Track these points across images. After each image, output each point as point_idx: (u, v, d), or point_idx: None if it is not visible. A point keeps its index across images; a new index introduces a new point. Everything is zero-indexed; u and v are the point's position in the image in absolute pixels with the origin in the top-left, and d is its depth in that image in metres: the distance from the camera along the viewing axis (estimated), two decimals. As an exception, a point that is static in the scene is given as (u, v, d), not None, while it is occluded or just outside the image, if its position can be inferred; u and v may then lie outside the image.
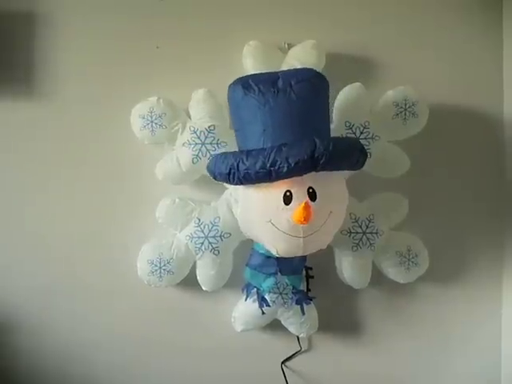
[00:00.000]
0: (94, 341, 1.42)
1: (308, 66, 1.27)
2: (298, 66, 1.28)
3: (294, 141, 1.03)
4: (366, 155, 1.13)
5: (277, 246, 1.14)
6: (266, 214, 1.10)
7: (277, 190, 1.07)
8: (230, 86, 1.14)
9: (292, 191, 1.06)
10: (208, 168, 1.14)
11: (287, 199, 1.07)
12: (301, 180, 1.05)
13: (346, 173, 1.18)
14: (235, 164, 1.04)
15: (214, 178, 1.14)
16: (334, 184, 1.12)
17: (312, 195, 1.07)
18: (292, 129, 1.06)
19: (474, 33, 1.47)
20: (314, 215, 1.05)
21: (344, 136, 1.24)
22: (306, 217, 1.03)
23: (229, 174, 1.06)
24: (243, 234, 1.26)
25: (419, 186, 1.42)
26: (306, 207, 1.03)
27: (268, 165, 1.01)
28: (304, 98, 1.07)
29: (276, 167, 1.00)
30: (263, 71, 1.18)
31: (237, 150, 1.17)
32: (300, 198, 1.06)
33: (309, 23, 1.41)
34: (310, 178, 1.05)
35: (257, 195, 1.11)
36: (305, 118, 1.08)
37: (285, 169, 1.00)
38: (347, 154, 1.07)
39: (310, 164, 1.01)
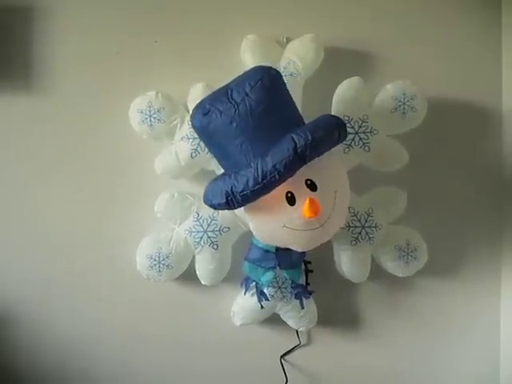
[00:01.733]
0: (93, 335, 1.43)
1: (307, 60, 1.29)
2: (297, 60, 1.28)
3: (273, 145, 1.02)
4: (345, 125, 1.11)
5: (299, 243, 1.14)
6: (278, 222, 1.09)
7: (278, 195, 1.06)
8: (191, 119, 1.12)
9: (292, 191, 1.06)
10: (205, 202, 1.12)
11: (291, 200, 1.06)
12: (296, 177, 1.04)
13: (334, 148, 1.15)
14: (229, 190, 1.03)
15: (215, 209, 1.13)
16: (327, 165, 1.11)
17: (312, 186, 1.07)
18: (266, 134, 1.04)
19: (473, 27, 1.47)
20: (322, 204, 1.04)
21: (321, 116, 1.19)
22: (315, 210, 1.03)
23: (227, 202, 1.04)
24: (243, 229, 1.26)
25: (418, 180, 1.42)
26: (312, 202, 1.03)
27: (260, 179, 1.00)
28: (264, 100, 1.05)
29: (268, 178, 1.00)
30: (263, 63, 1.17)
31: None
32: (302, 195, 1.05)
33: (307, 17, 1.41)
34: (304, 171, 1.04)
35: (261, 209, 1.10)
36: (273, 118, 1.06)
37: (277, 176, 1.00)
38: (328, 135, 1.05)
39: (297, 161, 1.00)
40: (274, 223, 1.11)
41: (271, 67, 1.11)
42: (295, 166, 1.01)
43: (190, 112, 1.26)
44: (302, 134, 1.00)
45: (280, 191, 1.05)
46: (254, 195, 1.02)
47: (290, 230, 1.09)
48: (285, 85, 1.13)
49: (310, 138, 1.00)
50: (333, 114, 1.28)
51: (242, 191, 1.01)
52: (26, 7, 1.36)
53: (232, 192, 1.02)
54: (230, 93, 1.06)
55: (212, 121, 1.06)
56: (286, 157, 0.99)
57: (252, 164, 1.01)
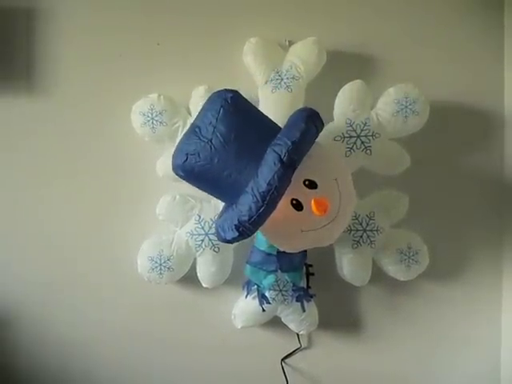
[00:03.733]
0: (94, 337, 1.43)
1: (308, 63, 1.28)
2: (300, 63, 1.28)
3: (259, 164, 1.00)
4: (317, 114, 1.09)
5: (322, 240, 1.14)
6: (294, 230, 1.09)
7: (284, 206, 1.05)
8: (174, 169, 1.10)
9: (296, 197, 1.05)
10: (220, 240, 1.10)
11: (298, 206, 1.05)
12: (294, 182, 1.02)
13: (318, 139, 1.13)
14: (237, 223, 1.01)
15: (232, 243, 1.11)
16: (318, 159, 1.10)
17: (311, 185, 1.06)
18: (248, 156, 1.03)
19: (475, 30, 1.47)
20: (328, 198, 1.04)
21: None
22: (324, 208, 1.03)
23: (240, 234, 1.02)
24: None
25: (420, 184, 1.42)
26: (317, 202, 1.03)
27: (260, 202, 0.99)
28: (233, 126, 1.04)
29: (268, 197, 0.98)
30: (263, 67, 1.17)
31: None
32: (306, 197, 1.04)
33: (310, 20, 1.41)
34: (299, 174, 1.03)
35: (274, 226, 1.09)
36: (249, 139, 1.05)
37: (275, 192, 0.98)
38: (305, 134, 1.03)
39: (288, 169, 0.99)
40: (292, 232, 1.10)
41: (227, 90, 1.09)
42: (288, 175, 1.00)
43: (193, 114, 1.27)
44: (280, 143, 0.99)
45: (284, 202, 1.04)
46: (262, 218, 1.01)
47: (309, 232, 1.08)
48: (247, 101, 1.11)
49: (289, 144, 0.99)
50: (335, 117, 1.28)
51: (250, 219, 1.00)
52: (27, 8, 1.36)
53: (240, 223, 1.01)
54: (198, 131, 1.05)
55: (194, 165, 1.05)
56: (276, 170, 0.98)
57: (247, 190, 1.00)
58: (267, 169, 0.99)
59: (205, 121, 1.05)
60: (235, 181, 1.04)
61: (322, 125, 1.10)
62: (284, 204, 1.04)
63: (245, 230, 1.02)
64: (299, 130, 1.02)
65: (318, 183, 1.06)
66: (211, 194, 1.17)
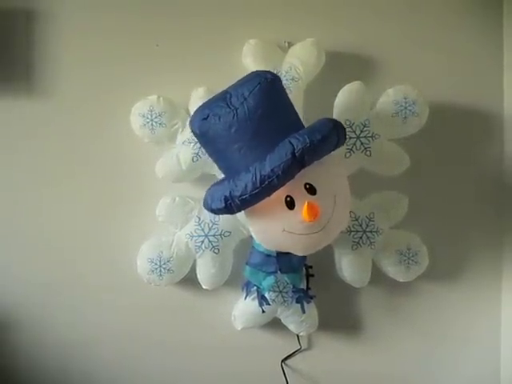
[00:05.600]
0: (94, 339, 1.42)
1: (308, 65, 1.29)
2: (299, 65, 1.28)
3: (271, 149, 1.01)
4: (344, 129, 1.11)
5: (300, 247, 1.14)
6: (277, 226, 1.09)
7: (277, 200, 1.06)
8: (190, 124, 1.12)
9: (291, 195, 1.06)
10: (205, 207, 1.12)
11: (290, 204, 1.06)
12: (295, 181, 1.04)
13: (334, 152, 1.14)
14: (228, 195, 1.03)
15: (215, 214, 1.13)
16: (327, 169, 1.11)
17: (311, 190, 1.07)
18: (265, 138, 1.04)
19: (474, 31, 1.47)
20: (321, 207, 1.05)
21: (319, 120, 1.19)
22: (314, 214, 1.03)
23: (226, 206, 1.04)
24: (244, 233, 1.26)
25: (419, 185, 1.42)
26: (310, 206, 1.03)
27: (258, 183, 1.00)
28: (262, 105, 1.04)
29: (267, 182, 1.00)
30: (262, 68, 1.17)
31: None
32: (301, 199, 1.05)
33: (309, 22, 1.41)
34: (303, 175, 1.04)
35: (261, 213, 1.10)
36: (272, 123, 1.06)
37: (275, 180, 1.00)
38: (326, 139, 1.04)
39: (296, 165, 1.00)
40: (274, 227, 1.11)
41: (270, 72, 1.11)
42: (294, 170, 1.01)
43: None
44: (299, 138, 1.00)
45: (279, 195, 1.05)
46: (253, 200, 1.03)
47: (289, 234, 1.09)
48: (284, 89, 1.13)
49: (307, 142, 1.00)
50: (334, 118, 1.28)
51: (241, 196, 1.01)
52: (27, 10, 1.36)
53: (231, 196, 1.02)
54: (228, 97, 1.06)
55: (211, 126, 1.06)
56: (284, 161, 0.99)
57: (251, 169, 1.01)
58: (277, 156, 1.00)
59: (238, 90, 1.06)
60: (243, 156, 1.05)
61: (344, 139, 1.12)
62: (278, 197, 1.05)
63: (232, 205, 1.03)
64: (322, 133, 1.03)
65: (317, 191, 1.07)
66: (214, 161, 1.17)
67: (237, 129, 1.04)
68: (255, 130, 1.04)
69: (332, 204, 1.10)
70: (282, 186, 1.02)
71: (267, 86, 1.06)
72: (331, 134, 1.06)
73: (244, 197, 1.01)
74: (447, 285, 1.48)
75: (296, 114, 1.14)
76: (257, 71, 1.12)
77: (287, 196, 1.06)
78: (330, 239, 1.17)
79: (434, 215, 1.45)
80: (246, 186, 1.01)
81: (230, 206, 1.04)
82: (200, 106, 1.11)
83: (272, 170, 0.99)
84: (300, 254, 1.18)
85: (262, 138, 1.04)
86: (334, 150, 1.10)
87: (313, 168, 1.05)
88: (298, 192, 1.06)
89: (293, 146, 0.99)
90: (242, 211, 1.10)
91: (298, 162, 1.00)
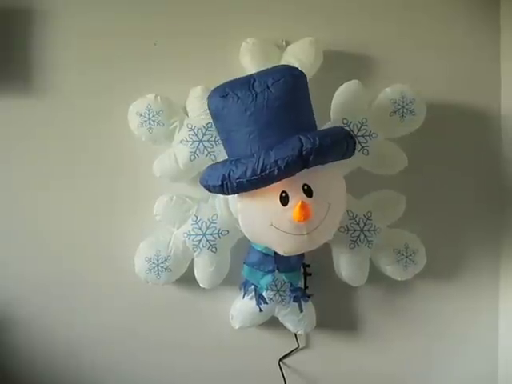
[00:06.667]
0: (92, 338, 1.42)
1: (306, 63, 1.28)
2: (296, 64, 1.28)
3: (280, 142, 1.03)
4: (354, 141, 1.13)
5: (283, 246, 1.14)
6: (266, 219, 1.10)
7: (272, 192, 1.07)
8: (208, 98, 1.13)
9: (287, 191, 1.07)
10: (201, 182, 1.13)
11: (284, 200, 1.07)
12: (295, 178, 1.04)
13: (339, 162, 1.15)
14: (226, 175, 1.04)
15: (209, 191, 1.13)
16: (328, 176, 1.12)
17: (308, 191, 1.07)
18: (277, 129, 1.06)
19: (471, 30, 1.47)
20: (313, 211, 1.05)
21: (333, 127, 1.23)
22: (305, 215, 1.04)
23: (222, 185, 1.05)
24: (242, 232, 1.26)
25: (417, 184, 1.42)
26: (303, 206, 1.03)
27: (258, 171, 1.00)
28: (283, 97, 1.06)
29: (267, 172, 1.00)
30: (261, 68, 1.18)
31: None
32: (296, 197, 1.06)
33: (306, 20, 1.41)
34: (304, 175, 1.05)
35: (253, 202, 1.10)
36: (288, 116, 1.07)
37: (276, 172, 1.00)
38: (335, 145, 1.06)
39: (299, 162, 1.01)
40: (262, 219, 1.11)
41: (298, 69, 1.13)
42: (296, 167, 1.02)
43: (189, 115, 1.28)
44: (310, 138, 1.01)
45: (275, 189, 1.06)
46: (250, 185, 1.03)
47: (275, 230, 1.09)
48: (307, 89, 1.14)
49: (317, 143, 1.01)
50: (332, 117, 1.28)
51: (239, 178, 1.02)
52: (26, 10, 1.36)
53: (229, 177, 1.04)
54: (252, 82, 1.08)
55: (228, 105, 1.07)
56: (290, 156, 1.00)
57: (255, 155, 1.03)
58: (284, 149, 1.01)
59: (262, 78, 1.08)
60: (251, 142, 1.06)
61: (352, 152, 1.13)
62: (274, 190, 1.06)
63: (227, 186, 1.04)
64: (332, 139, 1.05)
65: (314, 194, 1.08)
66: (222, 138, 1.17)
67: (252, 113, 1.05)
68: (269, 120, 1.06)
69: (325, 211, 1.10)
70: (280, 179, 1.03)
71: (292, 80, 1.08)
72: (341, 143, 1.08)
73: (241, 180, 1.02)
74: (445, 283, 1.48)
75: (312, 114, 1.15)
76: (286, 65, 1.15)
77: (283, 191, 1.07)
78: (313, 246, 1.16)
79: (431, 214, 1.45)
80: (245, 171, 1.01)
81: (225, 186, 1.05)
82: (221, 84, 1.13)
83: (275, 161, 1.00)
84: (280, 252, 1.16)
85: (274, 128, 1.06)
86: (339, 159, 1.11)
87: (315, 171, 1.05)
88: (294, 190, 1.07)
89: (302, 143, 1.00)
90: (235, 194, 1.10)
91: (302, 161, 1.01)
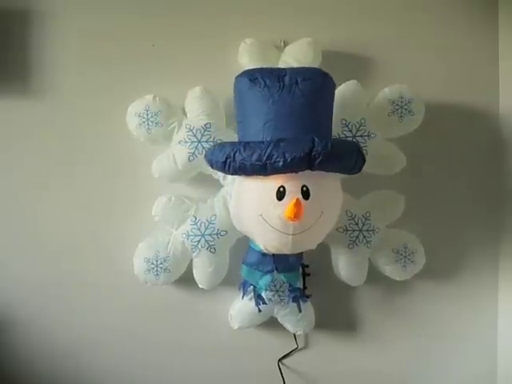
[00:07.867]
0: (90, 338, 1.42)
1: (304, 64, 1.28)
2: (294, 64, 1.28)
3: (293, 137, 1.04)
4: (364, 160, 1.13)
5: (265, 241, 1.15)
6: (257, 208, 1.11)
7: (271, 184, 1.08)
8: (236, 78, 1.16)
9: (286, 187, 1.07)
10: (205, 156, 1.15)
11: (280, 195, 1.07)
12: (296, 177, 1.05)
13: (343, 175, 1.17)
14: (232, 153, 1.05)
15: (211, 166, 1.14)
16: (328, 185, 1.13)
17: (305, 193, 1.07)
18: (293, 125, 1.07)
19: (469, 30, 1.47)
20: (305, 214, 1.05)
21: (342, 137, 1.25)
22: (297, 214, 1.04)
23: (225, 162, 1.07)
24: (237, 229, 1.25)
25: (415, 184, 1.42)
26: (297, 204, 1.04)
27: (264, 158, 1.02)
28: (308, 96, 1.08)
29: (272, 161, 1.02)
30: (261, 67, 1.18)
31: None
32: (293, 195, 1.06)
33: (305, 21, 1.41)
34: (305, 176, 1.05)
35: (250, 187, 1.12)
36: (307, 116, 1.08)
37: (280, 163, 1.01)
38: (345, 156, 1.08)
39: (306, 162, 1.02)
40: (254, 208, 1.12)
41: (330, 76, 1.14)
42: (301, 165, 1.03)
43: (188, 115, 1.27)
44: (323, 141, 1.02)
45: (275, 182, 1.07)
46: (252, 170, 1.05)
47: (263, 222, 1.10)
48: (333, 96, 1.16)
49: (328, 149, 1.02)
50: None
51: (243, 160, 1.04)
52: (24, 11, 1.36)
53: (234, 156, 1.05)
54: (282, 75, 1.10)
55: (253, 88, 1.09)
56: (298, 152, 1.01)
57: (265, 142, 1.04)
58: (294, 145, 1.02)
59: (294, 73, 1.10)
60: (265, 130, 1.08)
61: (359, 170, 1.14)
62: (273, 182, 1.07)
63: (230, 165, 1.06)
64: (343, 150, 1.07)
65: (310, 198, 1.08)
66: (238, 119, 1.18)
67: (274, 102, 1.07)
68: (289, 113, 1.07)
69: (316, 218, 1.11)
70: (281, 172, 1.04)
71: (321, 83, 1.11)
72: (351, 156, 1.09)
73: (245, 162, 1.04)
74: (444, 283, 1.48)
75: (331, 123, 1.17)
76: (319, 69, 1.18)
77: (281, 186, 1.07)
78: (293, 250, 1.16)
79: (430, 214, 1.45)
80: (252, 154, 1.03)
81: (228, 164, 1.06)
82: (252, 69, 1.16)
83: (283, 153, 1.01)
84: (261, 246, 1.17)
85: (291, 123, 1.07)
86: (344, 172, 1.13)
87: (318, 176, 1.07)
88: (293, 188, 1.07)
89: (313, 144, 1.01)
90: (233, 176, 1.13)
91: (308, 161, 1.02)
